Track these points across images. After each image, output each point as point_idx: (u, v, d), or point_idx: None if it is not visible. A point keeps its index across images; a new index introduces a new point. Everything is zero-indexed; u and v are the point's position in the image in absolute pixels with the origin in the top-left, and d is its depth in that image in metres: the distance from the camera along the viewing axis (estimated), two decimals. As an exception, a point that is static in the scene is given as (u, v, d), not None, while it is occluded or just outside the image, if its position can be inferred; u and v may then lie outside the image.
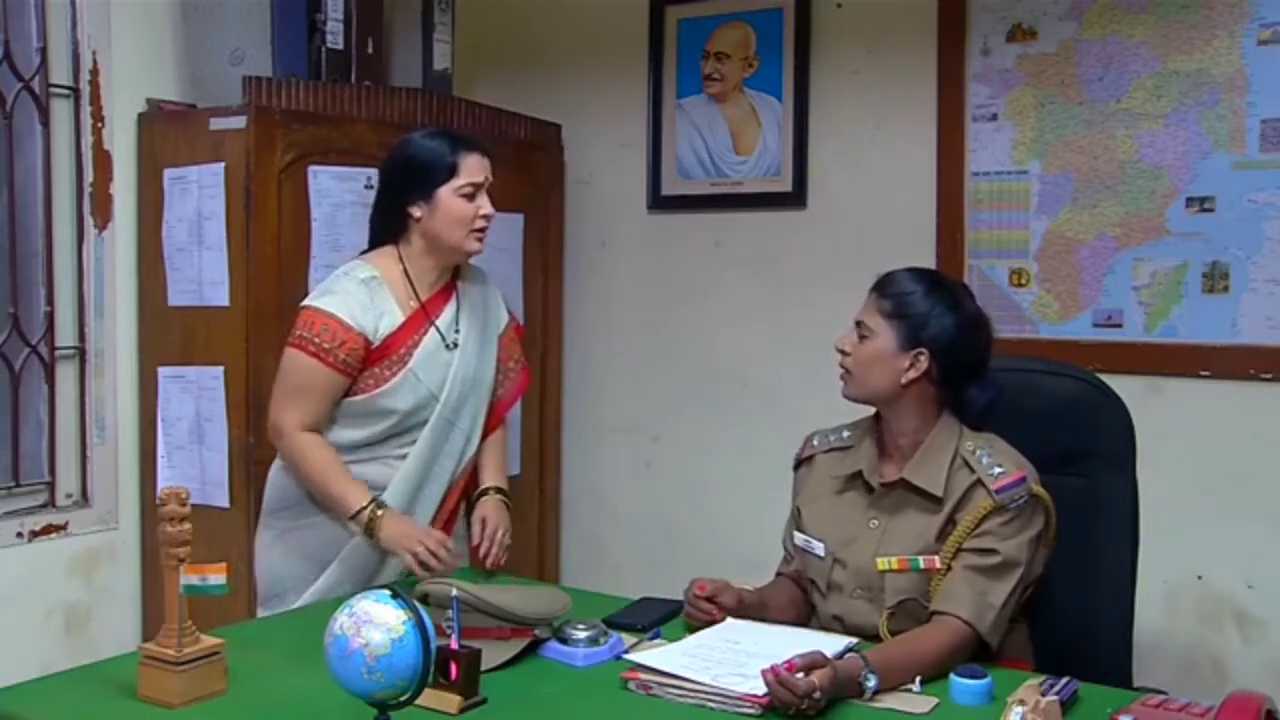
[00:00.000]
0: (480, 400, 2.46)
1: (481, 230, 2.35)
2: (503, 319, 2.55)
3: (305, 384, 2.30)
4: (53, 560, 2.86)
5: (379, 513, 2.28)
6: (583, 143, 3.67)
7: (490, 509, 2.46)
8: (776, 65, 3.35)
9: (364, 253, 2.44)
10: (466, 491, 2.52)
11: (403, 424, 2.36)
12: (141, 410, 2.99)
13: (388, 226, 2.39)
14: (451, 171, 2.32)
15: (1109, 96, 2.90)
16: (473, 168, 2.34)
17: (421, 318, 2.37)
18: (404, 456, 2.37)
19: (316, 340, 2.28)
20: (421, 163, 2.33)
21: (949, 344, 1.97)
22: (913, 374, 1.97)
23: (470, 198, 2.33)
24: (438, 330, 2.38)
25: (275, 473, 2.43)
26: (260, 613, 2.40)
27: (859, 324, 2.02)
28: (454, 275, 2.45)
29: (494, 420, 2.54)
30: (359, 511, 2.28)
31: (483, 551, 2.42)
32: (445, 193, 2.32)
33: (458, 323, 2.42)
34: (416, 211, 2.33)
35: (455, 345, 2.40)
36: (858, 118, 3.25)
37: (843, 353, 2.03)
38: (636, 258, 3.62)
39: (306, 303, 2.35)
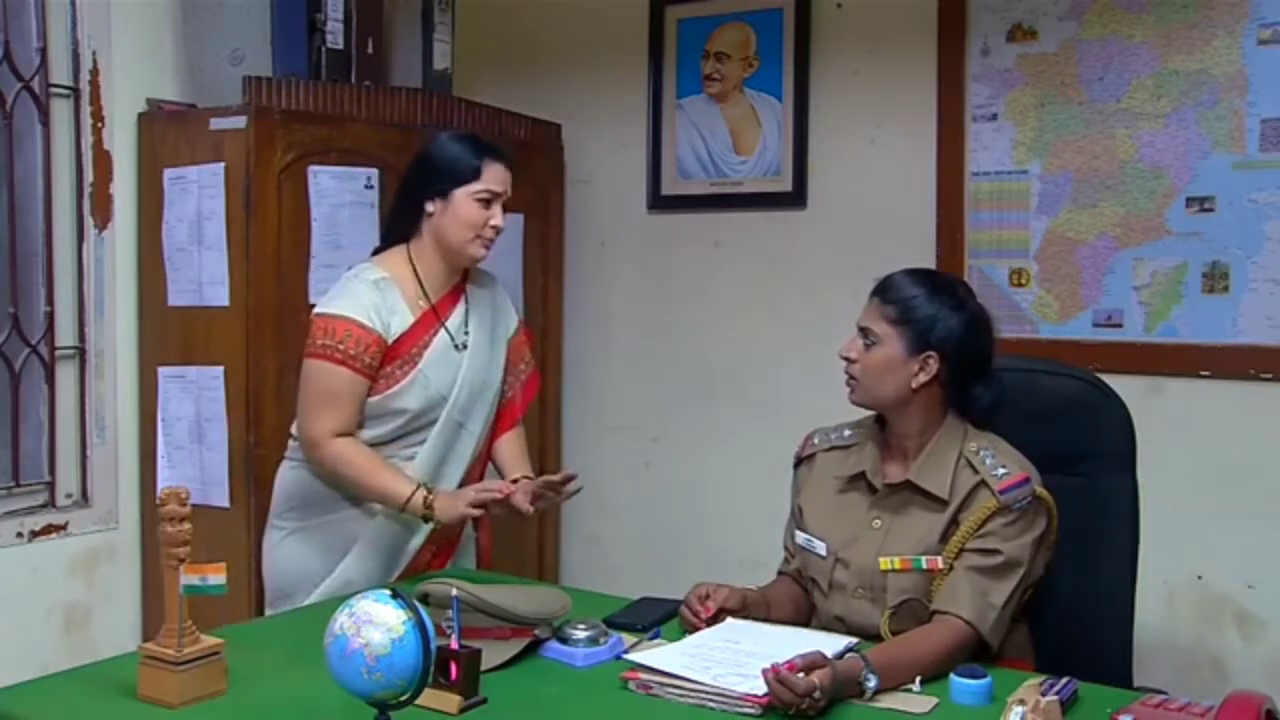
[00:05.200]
0: (488, 403, 2.47)
1: (489, 239, 2.38)
2: (512, 323, 2.57)
3: (335, 391, 2.30)
4: (53, 560, 2.86)
5: (430, 495, 2.29)
6: (583, 143, 3.67)
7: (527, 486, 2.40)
8: (776, 65, 3.35)
9: (375, 253, 2.45)
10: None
11: (411, 424, 2.37)
12: (141, 410, 2.99)
13: (402, 223, 2.42)
14: (474, 175, 2.34)
15: (1109, 96, 2.90)
16: (494, 176, 2.36)
17: (431, 318, 2.38)
18: (412, 458, 2.37)
19: (341, 347, 2.29)
20: (446, 161, 2.36)
21: (957, 345, 1.97)
22: (923, 378, 1.97)
23: (486, 204, 2.36)
24: (447, 331, 2.40)
25: (285, 472, 2.44)
26: (269, 613, 2.41)
27: (864, 331, 2.01)
28: (463, 278, 2.46)
29: (509, 419, 2.55)
30: (411, 497, 2.28)
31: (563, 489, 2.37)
32: (462, 194, 2.34)
33: (467, 324, 2.43)
34: (431, 208, 2.36)
35: (464, 346, 2.41)
36: (858, 118, 3.25)
37: (848, 360, 2.02)
38: (636, 258, 3.62)
39: (322, 310, 2.35)
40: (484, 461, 2.52)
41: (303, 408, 2.35)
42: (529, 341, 2.64)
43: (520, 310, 3.42)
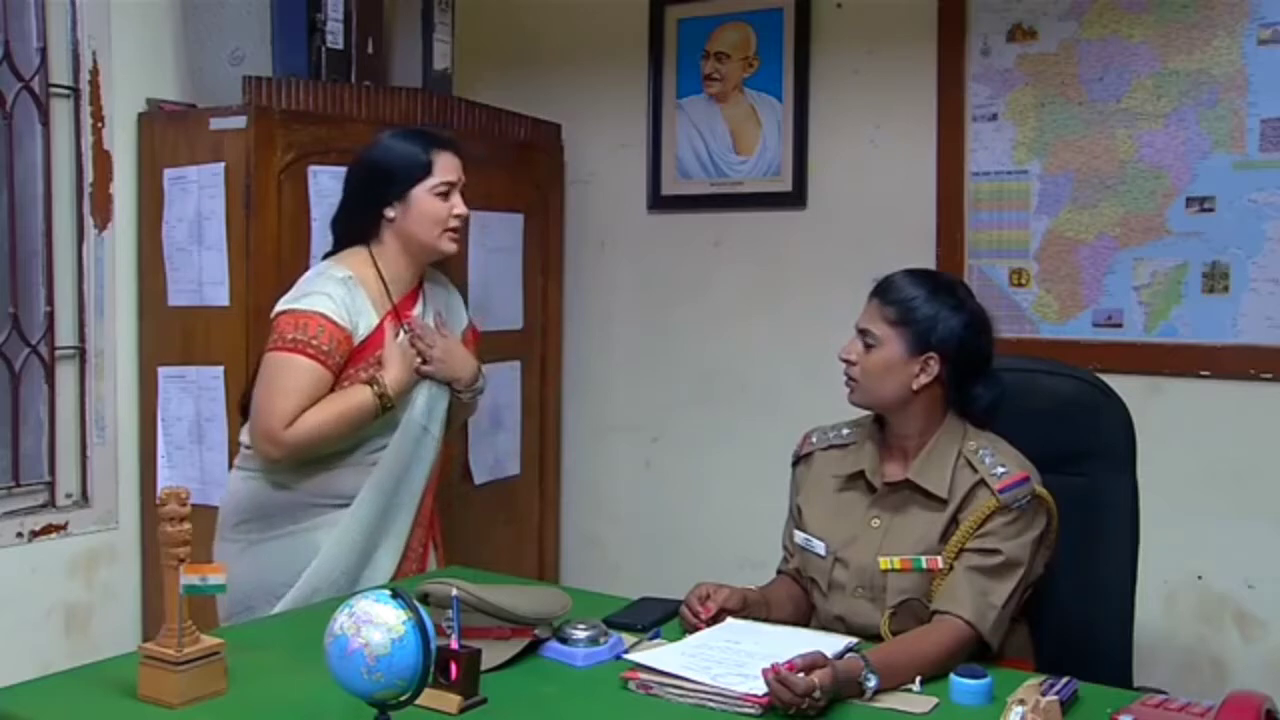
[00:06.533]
0: (445, 405, 2.44)
1: (455, 230, 2.36)
2: (462, 321, 2.54)
3: (302, 387, 2.23)
4: (53, 560, 2.86)
5: (378, 386, 2.28)
6: (583, 143, 3.67)
7: None
8: (776, 65, 3.35)
9: (329, 255, 2.41)
10: (438, 493, 2.52)
11: (374, 429, 2.33)
12: (141, 410, 2.99)
13: (356, 228, 2.38)
14: (426, 170, 2.33)
15: (1109, 96, 2.90)
16: (447, 166, 2.35)
17: (394, 320, 2.36)
18: (375, 463, 2.34)
19: (315, 343, 2.24)
20: (396, 163, 2.34)
21: (958, 346, 1.97)
22: (924, 379, 1.97)
23: (445, 196, 2.34)
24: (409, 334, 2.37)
25: (237, 484, 2.37)
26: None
27: (863, 332, 2.01)
28: (420, 277, 2.44)
29: None
30: (374, 399, 2.28)
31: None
32: (420, 192, 2.32)
33: None
34: (391, 212, 2.34)
35: None
36: (858, 118, 3.25)
37: (848, 362, 2.02)
38: (636, 258, 3.63)
39: (290, 306, 2.29)
40: (444, 465, 2.49)
41: (265, 402, 2.25)
42: (475, 340, 2.59)
43: (520, 310, 3.45)
